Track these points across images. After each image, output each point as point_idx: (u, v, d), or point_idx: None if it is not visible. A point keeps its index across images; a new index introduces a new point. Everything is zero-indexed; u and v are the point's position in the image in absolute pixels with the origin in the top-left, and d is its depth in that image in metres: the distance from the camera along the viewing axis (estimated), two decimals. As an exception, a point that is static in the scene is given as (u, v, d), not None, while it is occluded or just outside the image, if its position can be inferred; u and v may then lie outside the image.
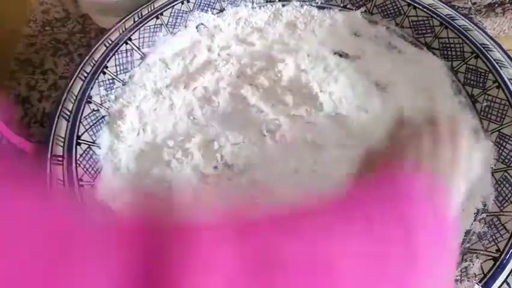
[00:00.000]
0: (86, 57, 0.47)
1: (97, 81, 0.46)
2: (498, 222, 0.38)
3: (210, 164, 0.44)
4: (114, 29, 0.49)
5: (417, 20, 0.52)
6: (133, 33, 0.49)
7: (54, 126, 0.42)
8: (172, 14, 0.51)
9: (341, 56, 0.53)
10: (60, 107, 0.43)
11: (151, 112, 0.47)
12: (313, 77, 0.49)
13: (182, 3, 0.52)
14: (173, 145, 0.45)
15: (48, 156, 0.40)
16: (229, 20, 0.55)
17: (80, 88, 0.45)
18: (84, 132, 0.43)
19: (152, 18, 0.50)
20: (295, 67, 0.50)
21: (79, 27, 0.62)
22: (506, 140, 0.43)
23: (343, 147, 0.45)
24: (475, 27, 0.49)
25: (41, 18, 0.63)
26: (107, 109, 0.46)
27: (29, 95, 0.53)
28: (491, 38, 0.48)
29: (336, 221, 0.24)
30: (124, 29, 0.49)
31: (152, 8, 0.51)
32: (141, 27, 0.49)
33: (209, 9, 0.54)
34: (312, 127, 0.47)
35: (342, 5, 0.55)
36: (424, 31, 0.51)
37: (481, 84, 0.46)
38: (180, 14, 0.52)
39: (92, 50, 0.47)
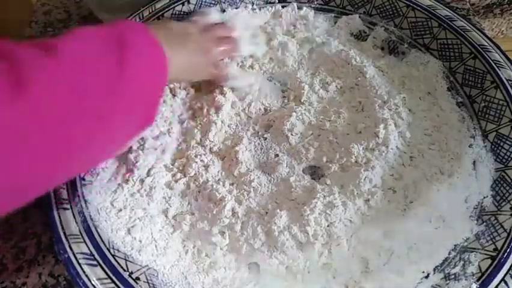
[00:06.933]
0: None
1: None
2: (496, 221, 0.39)
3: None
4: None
5: (416, 21, 0.52)
6: (134, 34, 0.49)
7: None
8: (173, 16, 0.52)
9: (340, 57, 0.53)
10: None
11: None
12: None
13: (183, 4, 0.52)
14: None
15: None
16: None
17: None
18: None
19: (153, 20, 0.50)
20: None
21: (80, 29, 0.62)
22: (504, 140, 0.43)
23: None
24: (473, 28, 0.49)
25: (43, 20, 0.63)
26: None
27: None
28: (489, 39, 0.48)
29: None
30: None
31: (153, 9, 0.51)
32: (142, 28, 0.50)
33: (209, 10, 0.55)
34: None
35: (341, 7, 0.56)
36: (423, 32, 0.52)
37: (479, 85, 0.47)
38: (181, 15, 0.52)
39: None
